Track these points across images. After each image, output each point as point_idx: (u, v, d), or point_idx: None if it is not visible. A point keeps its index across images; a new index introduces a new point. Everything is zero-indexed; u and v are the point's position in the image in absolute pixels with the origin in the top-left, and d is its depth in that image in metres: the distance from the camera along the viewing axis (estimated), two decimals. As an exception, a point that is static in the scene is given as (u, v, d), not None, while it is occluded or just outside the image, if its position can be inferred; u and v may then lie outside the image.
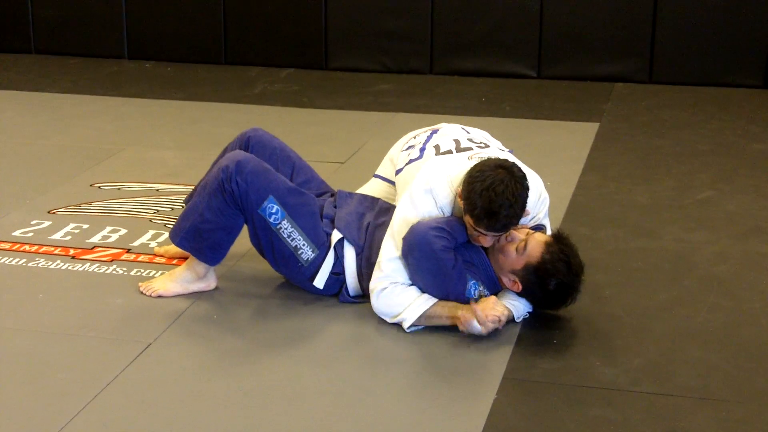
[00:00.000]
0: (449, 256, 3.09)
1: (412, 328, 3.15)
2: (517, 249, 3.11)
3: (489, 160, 3.12)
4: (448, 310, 3.13)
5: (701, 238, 3.89)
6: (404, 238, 3.12)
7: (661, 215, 4.14)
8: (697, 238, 3.88)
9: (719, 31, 6.25)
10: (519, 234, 3.14)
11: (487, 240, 3.12)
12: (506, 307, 3.13)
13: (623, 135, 5.30)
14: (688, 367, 2.94)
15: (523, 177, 3.08)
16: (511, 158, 3.28)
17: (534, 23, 6.47)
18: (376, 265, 3.21)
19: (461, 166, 3.19)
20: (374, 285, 3.19)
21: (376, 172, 3.68)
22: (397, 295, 3.15)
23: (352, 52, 6.78)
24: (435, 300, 3.14)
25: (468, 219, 3.08)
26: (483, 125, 3.91)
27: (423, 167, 3.28)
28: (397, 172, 3.49)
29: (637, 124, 5.50)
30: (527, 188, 3.07)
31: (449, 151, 3.33)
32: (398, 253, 3.16)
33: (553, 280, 3.08)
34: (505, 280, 3.17)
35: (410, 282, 3.18)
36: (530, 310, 3.22)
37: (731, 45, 6.25)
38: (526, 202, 3.08)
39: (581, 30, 6.43)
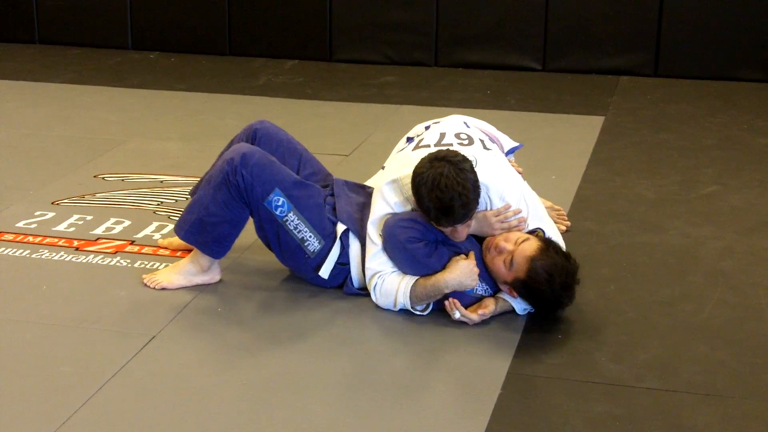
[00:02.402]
0: (418, 246, 3.11)
1: (419, 312, 3.18)
2: (504, 263, 3.11)
3: (424, 157, 3.10)
4: (431, 286, 3.12)
5: (707, 232, 3.87)
6: (380, 233, 3.16)
7: (666, 210, 4.12)
8: (702, 233, 3.87)
9: (725, 25, 6.23)
10: (507, 245, 3.13)
11: (458, 233, 3.12)
12: (494, 303, 3.14)
13: (628, 129, 5.28)
14: (693, 363, 2.93)
15: (462, 160, 3.05)
16: (490, 157, 3.28)
17: (539, 16, 6.45)
18: (365, 264, 3.24)
19: None
20: (368, 284, 3.24)
21: (384, 165, 3.66)
22: (385, 284, 3.19)
23: (357, 44, 6.76)
24: (416, 277, 3.16)
25: (432, 222, 3.11)
26: (488, 118, 3.90)
27: (396, 163, 3.30)
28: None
29: (643, 118, 5.49)
30: (470, 170, 3.05)
31: (427, 146, 3.32)
32: (376, 247, 3.19)
33: (538, 296, 3.09)
34: (502, 287, 3.19)
35: (397, 269, 3.20)
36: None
37: (737, 39, 6.23)
38: (477, 184, 3.06)
39: (587, 23, 6.41)
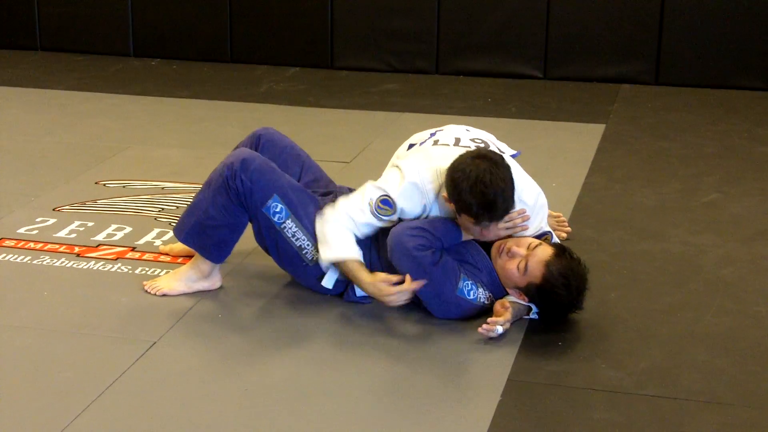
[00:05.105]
0: (425, 254, 3.10)
1: (323, 264, 3.24)
2: (518, 268, 3.11)
3: (464, 154, 3.11)
4: (356, 272, 3.19)
5: (707, 241, 3.88)
6: (387, 241, 3.16)
7: (666, 218, 4.13)
8: (703, 241, 3.87)
9: (726, 34, 6.24)
10: (519, 249, 3.13)
11: (491, 232, 3.13)
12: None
13: (629, 137, 5.29)
14: (693, 371, 2.93)
15: (501, 159, 3.08)
16: (510, 160, 3.28)
17: (540, 24, 6.46)
18: (338, 202, 3.26)
19: (451, 158, 3.17)
20: (324, 213, 3.25)
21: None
22: (332, 231, 3.21)
23: (358, 52, 6.77)
24: (355, 258, 3.19)
25: (466, 219, 3.09)
26: (488, 126, 3.91)
27: (415, 153, 3.31)
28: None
29: (643, 126, 5.50)
30: (508, 168, 3.07)
31: (446, 145, 3.33)
32: (361, 207, 3.20)
33: (555, 300, 3.09)
34: (511, 292, 3.19)
35: (356, 232, 3.23)
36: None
37: (737, 47, 6.24)
38: (514, 182, 3.08)
39: (588, 31, 6.42)
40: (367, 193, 3.23)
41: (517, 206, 3.22)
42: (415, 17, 6.64)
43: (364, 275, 3.20)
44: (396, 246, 3.13)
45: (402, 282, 3.13)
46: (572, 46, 6.46)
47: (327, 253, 3.22)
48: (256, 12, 6.88)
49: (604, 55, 6.42)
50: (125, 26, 7.11)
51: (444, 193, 3.13)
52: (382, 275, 3.18)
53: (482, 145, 3.35)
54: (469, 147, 3.30)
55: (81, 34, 7.20)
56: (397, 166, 3.26)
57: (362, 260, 3.23)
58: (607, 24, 6.39)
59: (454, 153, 3.19)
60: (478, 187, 2.99)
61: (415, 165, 3.22)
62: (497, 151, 3.28)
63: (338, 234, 3.22)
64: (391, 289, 3.13)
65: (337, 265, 3.25)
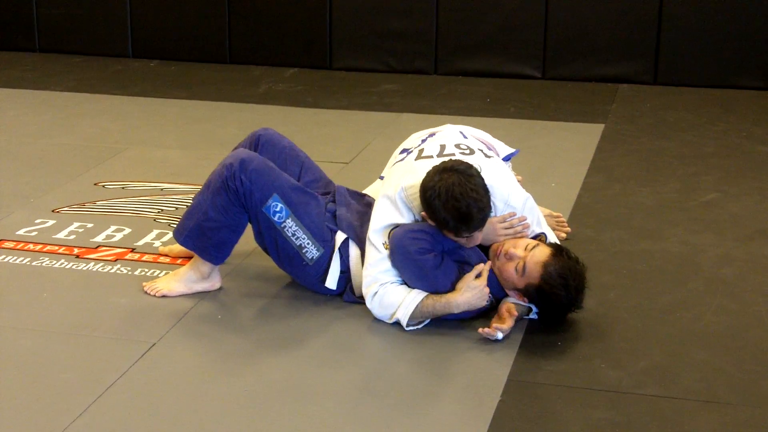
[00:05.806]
0: (427, 258, 3.10)
1: (412, 328, 3.15)
2: (516, 269, 3.11)
3: (431, 170, 3.10)
4: (437, 301, 3.12)
5: (706, 240, 3.88)
6: (389, 244, 3.15)
7: (665, 217, 4.13)
8: (701, 241, 3.87)
9: (724, 33, 6.24)
10: (517, 251, 3.14)
11: (474, 239, 3.13)
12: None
13: (628, 136, 5.30)
14: (692, 370, 2.93)
15: (468, 167, 3.07)
16: (493, 164, 3.29)
17: (539, 24, 6.47)
18: (363, 270, 3.22)
19: None
20: (365, 291, 3.20)
21: (382, 174, 3.67)
22: (388, 295, 3.15)
23: (357, 52, 6.78)
24: (424, 294, 3.13)
25: (448, 233, 3.10)
26: (487, 126, 3.91)
27: (398, 172, 3.30)
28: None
29: (642, 126, 5.50)
30: (478, 175, 3.06)
31: (430, 156, 3.32)
32: (380, 254, 3.17)
33: (554, 301, 3.09)
34: (510, 293, 3.19)
35: (399, 280, 3.18)
36: None
37: (736, 47, 6.25)
38: (487, 187, 3.07)
39: (586, 31, 6.43)
40: (377, 242, 3.18)
41: (506, 210, 3.23)
42: (413, 17, 6.64)
43: (446, 297, 3.12)
44: (398, 249, 3.12)
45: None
46: (571, 46, 6.47)
47: (404, 312, 3.11)
48: (254, 13, 6.88)
49: (602, 55, 6.43)
50: (124, 27, 7.11)
51: (423, 213, 3.13)
52: (462, 282, 3.12)
53: (466, 151, 3.32)
54: (453, 155, 3.29)
55: (80, 35, 7.20)
56: (383, 197, 3.24)
57: (424, 293, 3.14)
58: (606, 24, 6.39)
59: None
60: (450, 203, 3.00)
61: (396, 188, 3.21)
62: (484, 152, 3.29)
63: (393, 293, 3.15)
64: (482, 280, 3.10)
65: (420, 313, 3.13)
